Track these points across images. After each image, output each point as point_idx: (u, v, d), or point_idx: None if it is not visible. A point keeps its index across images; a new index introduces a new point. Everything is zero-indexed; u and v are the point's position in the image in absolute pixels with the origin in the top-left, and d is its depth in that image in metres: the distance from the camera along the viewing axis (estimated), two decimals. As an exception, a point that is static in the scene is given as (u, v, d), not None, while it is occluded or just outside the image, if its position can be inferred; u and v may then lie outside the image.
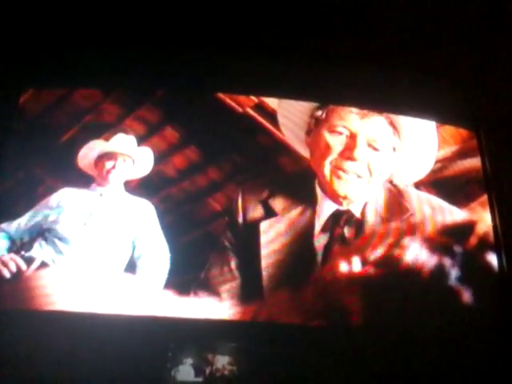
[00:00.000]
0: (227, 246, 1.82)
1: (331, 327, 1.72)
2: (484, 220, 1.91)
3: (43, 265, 1.74)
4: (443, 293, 1.77)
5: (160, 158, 1.93)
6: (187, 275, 1.78)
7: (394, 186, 1.91)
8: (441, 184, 1.95)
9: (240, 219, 1.85)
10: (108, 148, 1.91)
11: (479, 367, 1.70)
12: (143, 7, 2.00)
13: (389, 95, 2.04)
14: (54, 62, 2.04)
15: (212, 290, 1.76)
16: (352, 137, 1.85)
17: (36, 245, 1.78)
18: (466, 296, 1.76)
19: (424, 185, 1.93)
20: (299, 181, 1.92)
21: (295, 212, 1.85)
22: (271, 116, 1.98)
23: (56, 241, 1.79)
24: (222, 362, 1.68)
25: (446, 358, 1.70)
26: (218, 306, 1.73)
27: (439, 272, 1.77)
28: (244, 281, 1.78)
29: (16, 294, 1.67)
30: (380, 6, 1.97)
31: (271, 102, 2.00)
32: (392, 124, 1.90)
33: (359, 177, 1.84)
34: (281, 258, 1.79)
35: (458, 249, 1.80)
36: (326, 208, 1.84)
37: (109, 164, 1.91)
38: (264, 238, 1.81)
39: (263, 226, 1.83)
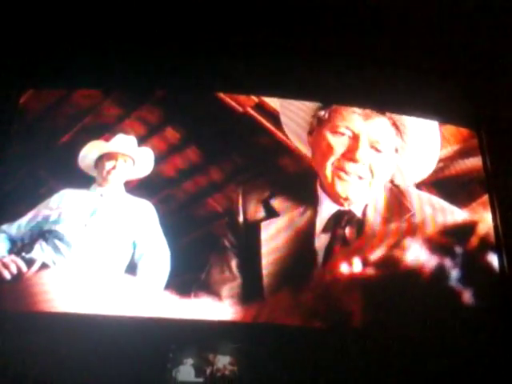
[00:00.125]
0: (228, 247, 1.82)
1: (331, 328, 1.72)
2: (485, 220, 1.91)
3: (44, 266, 1.74)
4: (444, 293, 1.77)
5: (160, 159, 1.93)
6: (188, 276, 1.78)
7: (396, 186, 1.91)
8: (442, 184, 1.95)
9: (240, 220, 1.85)
10: (108, 148, 1.91)
11: (480, 367, 1.70)
12: (143, 8, 2.00)
13: (390, 95, 2.04)
14: (54, 62, 2.04)
15: (212, 290, 1.75)
16: (354, 138, 1.84)
17: (37, 246, 1.78)
18: (467, 296, 1.76)
19: (425, 184, 1.93)
20: (300, 181, 1.92)
21: (296, 212, 1.85)
22: (272, 116, 1.97)
23: (56, 242, 1.79)
24: (223, 362, 1.69)
25: (447, 358, 1.70)
26: (218, 307, 1.73)
27: (440, 272, 1.76)
28: (244, 281, 1.78)
29: (17, 296, 1.67)
30: (383, 6, 1.96)
31: (272, 101, 2.00)
32: (395, 125, 1.89)
33: (361, 178, 1.83)
34: (281, 258, 1.79)
35: (458, 249, 1.80)
36: (327, 208, 1.84)
37: (109, 164, 1.91)
38: (265, 238, 1.81)
39: (264, 226, 1.83)
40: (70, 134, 1.96)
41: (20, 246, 1.80)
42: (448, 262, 1.77)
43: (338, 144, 1.84)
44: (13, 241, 1.81)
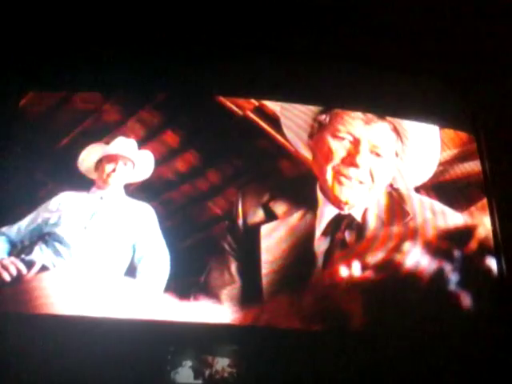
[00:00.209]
0: (227, 250, 1.82)
1: (331, 331, 1.72)
2: (484, 224, 1.91)
3: (44, 268, 1.74)
4: (443, 297, 1.77)
5: (160, 162, 1.93)
6: (187, 279, 1.78)
7: (395, 190, 1.91)
8: (440, 187, 1.95)
9: (240, 223, 1.85)
10: (108, 151, 1.92)
11: (479, 371, 1.71)
12: (143, 10, 2.00)
13: (390, 99, 2.04)
14: (55, 65, 2.04)
15: (212, 293, 1.76)
16: (355, 143, 1.85)
17: (36, 248, 1.78)
18: (466, 300, 1.77)
19: (424, 188, 1.94)
20: (300, 184, 1.92)
21: (296, 216, 1.85)
22: (272, 119, 1.98)
23: (56, 244, 1.79)
24: (222, 364, 1.69)
25: (447, 362, 1.71)
26: (217, 310, 1.73)
27: (439, 276, 1.77)
28: (244, 285, 1.78)
29: (16, 298, 1.67)
30: (382, 10, 1.96)
31: (272, 105, 2.00)
32: (395, 130, 1.90)
33: (361, 183, 1.84)
34: (281, 261, 1.79)
35: (457, 253, 1.80)
36: (326, 212, 1.85)
37: (109, 167, 1.91)
38: (264, 242, 1.81)
39: (263, 229, 1.83)
40: (70, 137, 1.96)
41: (20, 249, 1.80)
42: (447, 266, 1.78)
43: (339, 148, 1.85)
44: (13, 243, 1.81)
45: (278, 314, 1.71)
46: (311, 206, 1.86)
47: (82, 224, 1.83)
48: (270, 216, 1.85)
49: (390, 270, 1.74)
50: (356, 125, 1.87)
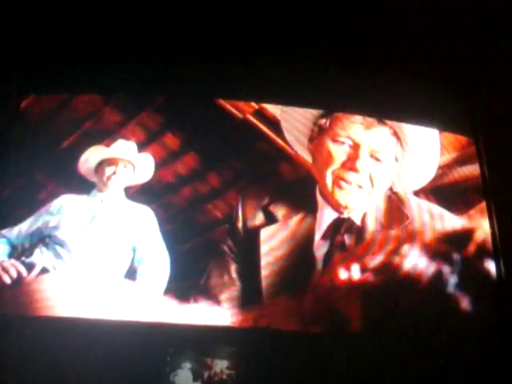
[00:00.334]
0: (227, 253, 1.83)
1: (330, 333, 1.73)
2: (482, 227, 1.92)
3: (44, 271, 1.74)
4: (442, 299, 1.78)
5: (160, 165, 1.93)
6: (187, 282, 1.79)
7: (395, 193, 1.92)
8: (439, 191, 1.96)
9: (240, 226, 1.86)
10: (108, 154, 1.92)
11: (478, 374, 1.71)
12: (143, 14, 2.01)
13: (389, 102, 2.04)
14: (55, 68, 2.04)
15: (212, 296, 1.76)
16: (355, 147, 1.85)
17: (37, 251, 1.79)
18: (465, 302, 1.77)
19: (423, 192, 1.94)
20: (300, 187, 1.93)
21: (296, 218, 1.86)
22: (271, 122, 1.98)
23: (57, 247, 1.79)
24: (221, 366, 1.69)
25: (445, 364, 1.71)
26: (217, 312, 1.73)
27: (438, 279, 1.78)
28: (244, 287, 1.78)
29: (17, 300, 1.68)
30: (382, 13, 1.97)
31: (271, 108, 2.00)
32: (395, 134, 1.90)
33: (361, 187, 1.84)
34: (281, 264, 1.80)
35: (456, 256, 1.81)
36: (326, 215, 1.85)
37: (109, 170, 1.91)
38: (264, 245, 1.82)
39: (263, 232, 1.84)
40: (70, 140, 1.96)
41: (20, 251, 1.80)
42: (446, 269, 1.79)
43: (339, 153, 1.85)
44: (13, 245, 1.81)
45: (278, 316, 1.72)
46: (311, 209, 1.86)
47: (83, 227, 1.84)
48: (270, 219, 1.85)
49: (388, 272, 1.75)
50: (356, 129, 1.87)
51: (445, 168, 1.99)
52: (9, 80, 1.98)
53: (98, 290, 1.72)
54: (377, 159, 1.85)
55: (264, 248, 1.80)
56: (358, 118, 1.90)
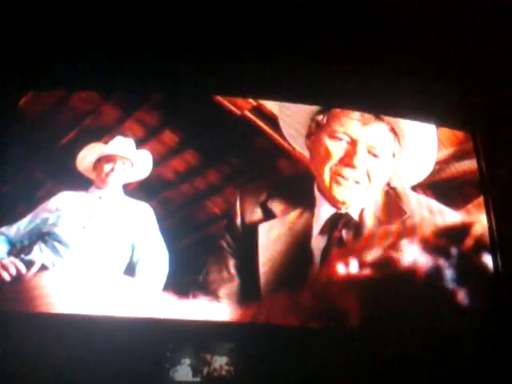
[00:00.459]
0: (226, 249, 1.83)
1: (328, 328, 1.73)
2: (480, 222, 1.92)
3: (43, 268, 1.75)
4: (439, 294, 1.78)
5: (159, 161, 1.94)
6: (186, 277, 1.79)
7: (392, 188, 1.92)
8: (437, 186, 1.96)
9: (238, 222, 1.86)
10: (107, 151, 1.92)
11: (476, 368, 1.72)
12: (142, 11, 2.01)
13: (386, 98, 2.04)
14: (54, 65, 2.04)
15: (210, 292, 1.77)
16: (352, 143, 1.85)
17: (36, 248, 1.79)
18: (462, 297, 1.78)
19: (420, 187, 1.95)
20: (298, 183, 1.93)
21: (294, 214, 1.86)
22: (269, 119, 1.98)
23: (55, 244, 1.79)
24: (220, 362, 1.70)
25: (443, 359, 1.72)
26: (216, 308, 1.74)
27: (435, 273, 1.78)
28: (242, 283, 1.79)
29: (16, 297, 1.68)
30: (380, 11, 1.97)
31: (269, 104, 2.00)
32: (393, 130, 1.90)
33: (358, 183, 1.85)
34: (279, 259, 1.80)
35: (454, 250, 1.81)
36: (324, 211, 1.86)
37: (108, 167, 1.92)
38: (262, 240, 1.82)
39: (261, 228, 1.84)
40: (68, 137, 1.96)
41: (19, 248, 1.81)
42: (443, 263, 1.79)
43: (336, 149, 1.85)
44: (12, 243, 1.82)
45: (276, 311, 1.72)
46: (309, 204, 1.87)
47: (81, 223, 1.84)
48: (268, 215, 1.86)
49: (387, 267, 1.75)
50: (353, 126, 1.88)
51: (442, 163, 1.99)
52: (7, 77, 1.98)
53: (97, 287, 1.72)
54: (374, 155, 1.86)
55: (262, 244, 1.81)
56: (355, 115, 1.90)
